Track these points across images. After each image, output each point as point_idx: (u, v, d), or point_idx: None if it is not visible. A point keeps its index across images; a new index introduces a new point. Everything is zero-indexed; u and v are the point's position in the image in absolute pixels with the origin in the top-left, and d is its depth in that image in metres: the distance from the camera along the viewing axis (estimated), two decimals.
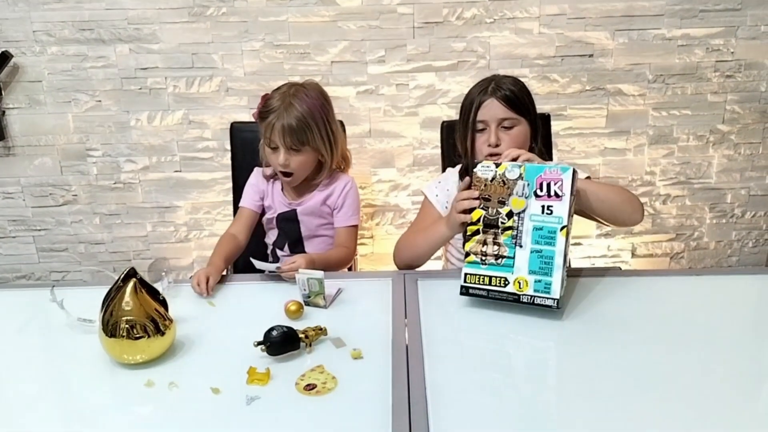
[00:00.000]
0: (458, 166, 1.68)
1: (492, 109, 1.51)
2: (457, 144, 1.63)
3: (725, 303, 1.34)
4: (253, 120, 1.72)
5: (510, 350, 1.22)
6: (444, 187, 1.66)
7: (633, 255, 2.68)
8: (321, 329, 1.22)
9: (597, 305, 1.33)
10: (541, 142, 1.60)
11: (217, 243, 1.68)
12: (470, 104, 1.55)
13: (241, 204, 1.81)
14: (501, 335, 1.26)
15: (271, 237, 1.85)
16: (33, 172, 2.52)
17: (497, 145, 1.51)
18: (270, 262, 1.78)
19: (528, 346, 1.24)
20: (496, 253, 1.30)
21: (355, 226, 1.79)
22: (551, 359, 1.21)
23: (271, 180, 1.80)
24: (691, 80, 2.44)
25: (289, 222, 1.79)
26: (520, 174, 1.28)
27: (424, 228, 1.57)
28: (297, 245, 1.80)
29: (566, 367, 1.17)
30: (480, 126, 1.53)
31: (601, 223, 1.47)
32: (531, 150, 1.50)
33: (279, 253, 1.83)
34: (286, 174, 1.69)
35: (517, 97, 1.51)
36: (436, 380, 1.08)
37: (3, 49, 2.33)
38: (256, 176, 1.83)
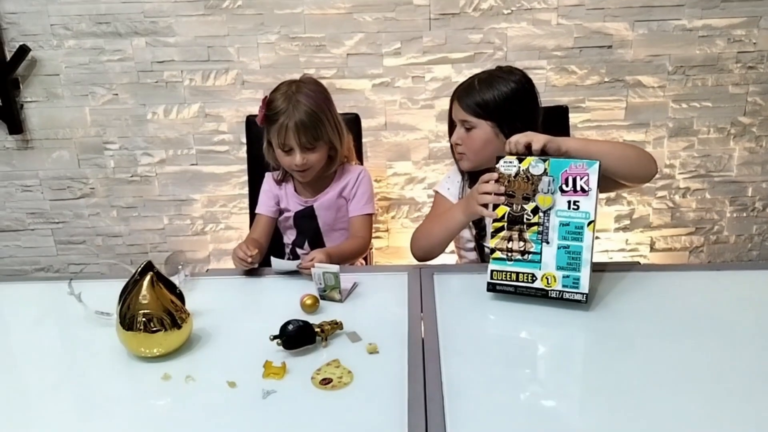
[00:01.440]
0: None
1: (455, 110, 1.57)
2: None
3: (745, 298, 1.32)
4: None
5: (527, 345, 1.21)
6: (454, 180, 1.68)
7: (652, 249, 2.65)
8: (337, 323, 1.21)
9: (616, 300, 1.31)
10: None
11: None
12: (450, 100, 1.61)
13: (257, 211, 1.81)
14: (518, 330, 1.25)
15: (289, 236, 1.85)
16: (51, 165, 2.54)
17: (458, 144, 1.58)
18: (289, 260, 1.79)
19: (546, 341, 1.23)
20: (522, 249, 1.29)
21: (370, 215, 1.78)
22: (569, 354, 1.19)
23: (283, 183, 1.79)
24: (712, 71, 2.40)
25: (306, 219, 1.78)
26: (545, 169, 1.26)
27: (438, 215, 1.59)
28: (316, 241, 1.80)
29: (584, 362, 1.16)
30: (455, 123, 1.59)
31: (622, 184, 1.42)
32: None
33: (299, 251, 1.83)
34: (303, 171, 1.68)
35: (477, 104, 1.52)
36: (452, 375, 1.08)
37: (21, 43, 2.34)
38: (268, 182, 1.82)
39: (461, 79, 2.37)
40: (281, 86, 1.68)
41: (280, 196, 1.80)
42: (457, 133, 1.57)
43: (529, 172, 1.28)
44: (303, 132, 1.61)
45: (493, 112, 1.51)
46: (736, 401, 1.00)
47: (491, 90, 1.51)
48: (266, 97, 1.68)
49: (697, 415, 0.96)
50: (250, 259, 1.47)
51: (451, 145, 1.63)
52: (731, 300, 1.32)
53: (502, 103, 1.50)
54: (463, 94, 1.55)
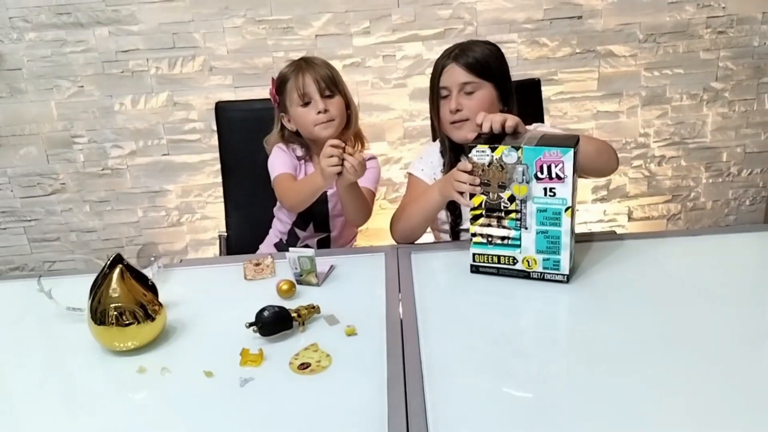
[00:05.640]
0: (438, 140, 1.65)
1: (453, 75, 1.50)
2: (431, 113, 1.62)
3: (724, 262, 1.33)
4: (238, 99, 1.66)
5: (507, 320, 1.21)
6: (428, 161, 1.64)
7: (630, 218, 2.66)
8: (314, 307, 1.20)
9: (595, 271, 1.31)
10: (517, 105, 1.55)
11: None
12: (435, 70, 1.55)
13: (279, 172, 1.69)
14: (497, 305, 1.24)
15: (290, 217, 1.80)
16: (19, 162, 2.48)
17: (458, 111, 1.49)
18: (284, 242, 1.79)
19: (524, 316, 1.22)
20: (501, 235, 1.28)
21: (373, 194, 1.76)
22: (548, 328, 1.19)
23: (302, 161, 1.74)
24: (682, 38, 2.40)
25: (316, 204, 1.69)
26: (518, 158, 1.23)
27: (416, 197, 1.55)
28: (322, 225, 1.77)
29: (564, 335, 1.16)
30: (444, 92, 1.53)
31: (580, 176, 1.41)
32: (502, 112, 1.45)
33: (299, 232, 1.79)
34: (328, 121, 1.65)
35: (479, 61, 1.48)
36: (431, 353, 1.07)
37: None
38: (282, 150, 1.74)
39: (433, 56, 2.35)
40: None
41: (297, 167, 1.73)
42: (455, 100, 1.49)
43: (502, 160, 1.24)
44: (321, 77, 1.63)
45: (494, 72, 1.49)
46: (718, 364, 1.00)
47: (486, 51, 1.50)
48: (274, 78, 1.70)
49: (680, 379, 0.97)
50: (342, 145, 1.44)
51: (437, 121, 1.57)
52: (710, 265, 1.32)
53: (497, 63, 1.50)
54: (460, 54, 1.50)
